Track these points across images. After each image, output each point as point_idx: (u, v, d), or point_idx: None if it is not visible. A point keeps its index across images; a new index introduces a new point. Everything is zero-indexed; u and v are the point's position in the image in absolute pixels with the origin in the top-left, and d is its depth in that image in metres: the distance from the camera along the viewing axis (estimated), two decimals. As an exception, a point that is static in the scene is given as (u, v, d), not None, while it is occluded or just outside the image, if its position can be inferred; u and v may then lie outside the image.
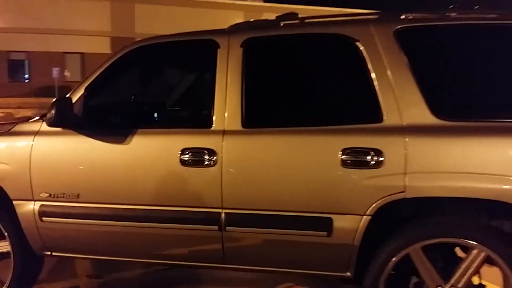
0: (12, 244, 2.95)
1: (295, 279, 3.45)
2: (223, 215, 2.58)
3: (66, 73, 25.50)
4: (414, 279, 2.49)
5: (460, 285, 2.35)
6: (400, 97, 2.38)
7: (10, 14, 27.08)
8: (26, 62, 29.25)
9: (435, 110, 2.33)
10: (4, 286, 2.98)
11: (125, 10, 30.23)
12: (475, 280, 2.48)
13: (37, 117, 3.00)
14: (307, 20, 2.88)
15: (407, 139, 2.32)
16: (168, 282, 3.57)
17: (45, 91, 26.36)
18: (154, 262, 3.03)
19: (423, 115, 2.34)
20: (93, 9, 29.19)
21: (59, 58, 28.64)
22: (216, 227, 2.58)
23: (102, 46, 29.74)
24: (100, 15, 29.51)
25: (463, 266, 2.35)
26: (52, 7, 27.93)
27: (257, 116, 2.60)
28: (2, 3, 26.89)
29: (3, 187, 2.88)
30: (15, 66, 29.06)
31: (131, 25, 30.40)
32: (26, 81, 29.36)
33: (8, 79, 28.61)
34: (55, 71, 25.04)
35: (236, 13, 32.58)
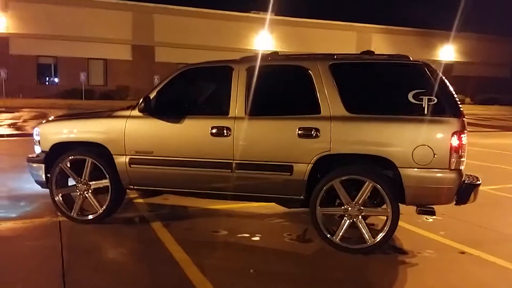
0: (110, 181, 5.05)
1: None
2: (234, 164, 4.65)
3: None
4: (337, 200, 4.56)
5: (360, 201, 4.40)
6: (330, 101, 4.46)
7: (40, 22, 29.43)
8: (53, 66, 31.54)
9: (347, 108, 4.41)
10: (104, 205, 5.07)
11: (145, 20, 32.46)
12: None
13: (127, 107, 5.12)
14: (283, 56, 5.00)
15: (332, 123, 4.40)
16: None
17: (71, 93, 28.62)
18: (195, 192, 5.04)
19: (341, 110, 4.42)
20: (116, 19, 31.50)
21: (84, 63, 30.95)
22: (230, 170, 4.66)
23: (123, 53, 32.11)
24: (122, 25, 31.79)
25: (361, 191, 4.40)
26: (79, 16, 30.24)
27: (254, 109, 4.66)
28: (32, 12, 29.23)
29: (107, 147, 4.99)
30: (43, 70, 31.38)
31: (150, 34, 32.64)
32: (54, 84, 31.59)
33: (37, 81, 30.93)
34: (82, 76, 27.30)
35: (247, 25, 34.65)
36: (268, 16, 33.42)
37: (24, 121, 17.99)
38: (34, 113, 21.71)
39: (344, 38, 36.92)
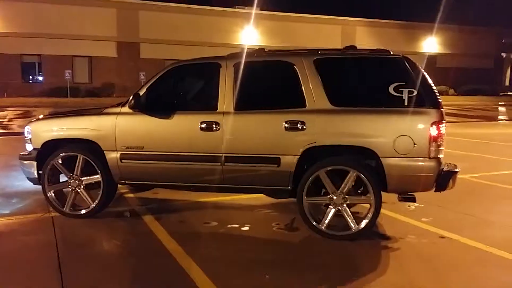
0: (102, 177, 5.17)
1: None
2: (223, 157, 4.80)
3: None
4: (323, 190, 4.74)
5: (344, 190, 4.59)
6: (315, 95, 4.63)
7: (23, 20, 29.10)
8: (38, 65, 31.26)
9: (331, 101, 4.58)
10: (97, 200, 5.19)
11: (130, 17, 32.29)
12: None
13: (117, 104, 5.23)
14: (269, 52, 5.16)
15: (317, 116, 4.57)
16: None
17: (56, 91, 28.43)
18: (186, 185, 5.18)
19: (325, 103, 4.60)
20: (101, 16, 31.25)
21: (69, 61, 30.73)
22: (219, 163, 4.81)
23: (108, 50, 31.92)
24: (107, 22, 31.55)
25: (346, 180, 4.58)
26: (63, 14, 29.95)
27: (242, 104, 4.81)
28: (16, 10, 28.89)
29: (98, 143, 5.10)
30: (27, 68, 31.12)
31: (135, 31, 32.47)
32: (39, 82, 31.34)
33: (22, 80, 30.66)
34: (67, 74, 27.13)
35: (232, 20, 34.67)
36: (253, 11, 33.48)
37: (10, 120, 17.91)
38: (20, 111, 21.60)
39: (329, 32, 37.12)
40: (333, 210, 4.65)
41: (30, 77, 31.72)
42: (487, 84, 40.04)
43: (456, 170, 4.71)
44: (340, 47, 5.42)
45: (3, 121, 17.22)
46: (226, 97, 4.81)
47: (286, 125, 4.62)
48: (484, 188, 7.20)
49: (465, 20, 40.47)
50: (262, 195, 5.49)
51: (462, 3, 41.54)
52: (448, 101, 35.34)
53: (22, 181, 6.54)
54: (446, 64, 40.88)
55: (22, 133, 5.77)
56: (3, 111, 21.95)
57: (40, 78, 31.54)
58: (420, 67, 4.60)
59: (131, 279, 3.81)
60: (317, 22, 37.46)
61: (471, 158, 9.94)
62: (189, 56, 5.54)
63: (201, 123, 4.80)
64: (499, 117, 22.30)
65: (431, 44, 40.96)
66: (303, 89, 4.67)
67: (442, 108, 4.53)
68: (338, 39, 36.95)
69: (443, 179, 4.54)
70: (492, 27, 43.44)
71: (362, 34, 38.25)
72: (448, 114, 23.78)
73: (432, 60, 40.19)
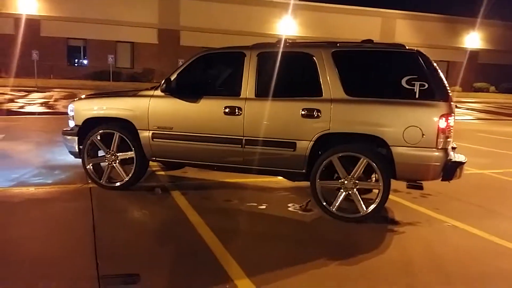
0: (135, 153, 5.68)
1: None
2: (244, 140, 5.21)
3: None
4: (335, 174, 5.08)
5: (355, 176, 4.92)
6: (331, 85, 4.96)
7: (70, 5, 30.29)
8: (83, 48, 32.54)
9: (346, 91, 4.90)
10: (130, 174, 5.72)
11: (171, 5, 33.03)
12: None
13: (150, 87, 5.72)
14: (291, 43, 5.51)
15: (332, 105, 4.90)
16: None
17: (99, 75, 29.56)
18: (209, 164, 5.62)
19: (341, 93, 4.92)
20: (143, 3, 32.15)
21: (112, 46, 31.84)
22: (240, 145, 5.22)
23: (150, 37, 32.86)
24: (149, 9, 32.44)
25: (357, 166, 4.91)
26: (107, 0, 31.00)
27: (263, 91, 5.18)
28: (64, -5, 30.11)
29: (133, 122, 5.60)
30: (73, 52, 32.43)
31: (176, 19, 33.23)
32: (83, 65, 32.63)
33: (67, 63, 32.01)
34: (110, 58, 28.14)
35: (271, 10, 34.84)
36: (292, 1, 33.54)
37: (55, 100, 18.92)
38: (64, 93, 22.71)
39: (368, 24, 36.75)
40: (343, 194, 4.99)
41: (75, 60, 33.02)
42: (530, 82, 38.74)
43: (463, 161, 4.94)
44: (379, 40, 5.70)
45: (49, 101, 18.22)
46: (249, 84, 5.20)
47: (303, 112, 4.97)
48: (502, 183, 7.33)
49: (510, 16, 39.16)
50: (281, 179, 5.90)
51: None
52: (488, 99, 34.59)
53: (64, 155, 7.17)
54: (488, 61, 39.78)
55: (66, 113, 6.35)
56: (49, 91, 23.14)
57: (85, 61, 32.82)
58: (432, 62, 4.84)
59: (155, 242, 4.29)
60: (357, 14, 37.17)
61: (498, 155, 9.98)
62: (227, 45, 5.94)
63: (225, 107, 5.22)
64: (540, 116, 21.68)
65: (473, 39, 39.90)
66: (320, 79, 5.01)
67: (452, 101, 4.76)
68: (378, 31, 36.58)
69: (450, 169, 4.78)
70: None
71: (402, 27, 37.71)
72: (485, 112, 23.45)
73: (473, 56, 39.25)
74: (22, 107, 15.90)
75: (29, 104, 16.89)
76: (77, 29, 30.98)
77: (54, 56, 30.04)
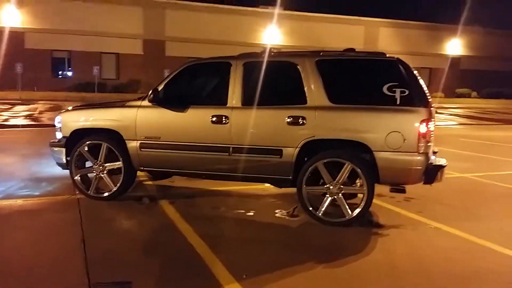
0: (123, 163, 5.73)
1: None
2: (231, 148, 5.30)
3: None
4: (321, 180, 5.19)
5: (340, 181, 5.03)
6: (315, 93, 5.09)
7: (54, 17, 30.22)
8: (67, 60, 32.39)
9: (330, 99, 5.04)
10: (118, 184, 5.76)
11: (157, 16, 33.14)
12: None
13: (138, 98, 5.79)
14: (275, 53, 5.64)
15: (316, 112, 5.03)
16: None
17: (85, 87, 29.42)
18: (197, 173, 5.70)
19: (325, 101, 5.05)
20: (128, 14, 32.19)
21: (97, 57, 31.74)
22: (227, 153, 5.32)
23: (135, 48, 32.88)
24: (134, 20, 32.47)
25: (341, 172, 5.02)
26: (92, 11, 30.94)
27: (249, 100, 5.29)
28: (47, 7, 30.02)
29: (120, 133, 5.66)
30: (57, 64, 32.24)
31: (161, 29, 33.33)
32: (68, 77, 32.46)
33: (52, 75, 31.82)
34: (95, 70, 28.10)
35: (256, 19, 35.16)
36: (276, 11, 33.88)
37: (40, 112, 18.82)
38: (49, 105, 22.58)
39: (352, 32, 37.29)
40: (329, 199, 5.10)
41: (60, 72, 32.84)
42: (511, 87, 39.45)
43: (443, 164, 5.09)
44: (362, 48, 5.87)
45: (33, 114, 18.12)
46: (235, 93, 5.31)
47: (288, 120, 5.08)
48: (483, 186, 7.52)
49: (490, 23, 40.05)
50: (268, 186, 5.99)
51: (487, 5, 41.07)
52: (470, 104, 35.20)
53: (50, 167, 7.18)
54: (469, 67, 40.57)
55: (52, 125, 6.39)
56: (34, 104, 22.99)
57: (69, 73, 32.64)
58: (412, 69, 5.01)
59: (145, 250, 4.35)
60: (340, 23, 37.67)
61: (479, 159, 10.22)
62: (213, 55, 6.04)
63: (212, 116, 5.31)
64: (520, 120, 22.13)
65: (454, 46, 40.70)
66: (305, 87, 5.14)
67: (432, 107, 4.92)
68: (361, 39, 37.12)
69: (431, 172, 4.93)
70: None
71: (385, 35, 38.32)
72: (467, 117, 23.86)
73: (455, 62, 39.99)
74: (6, 120, 15.80)
75: (14, 117, 16.79)
76: (61, 41, 30.84)
77: (38, 68, 29.82)
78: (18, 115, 17.33)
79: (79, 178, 5.89)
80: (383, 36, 38.30)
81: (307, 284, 3.64)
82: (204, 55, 6.23)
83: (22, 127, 14.05)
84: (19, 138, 11.86)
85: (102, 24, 31.12)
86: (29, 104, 22.66)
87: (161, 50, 33.39)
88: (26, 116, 17.08)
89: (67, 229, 4.82)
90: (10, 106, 21.12)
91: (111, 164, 5.79)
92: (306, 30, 35.73)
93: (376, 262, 4.13)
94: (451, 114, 25.42)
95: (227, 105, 5.33)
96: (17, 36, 29.54)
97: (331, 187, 5.06)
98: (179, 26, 33.13)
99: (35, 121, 15.62)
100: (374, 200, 5.16)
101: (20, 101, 24.22)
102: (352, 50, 5.48)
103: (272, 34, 34.82)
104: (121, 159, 5.72)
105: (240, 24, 34.58)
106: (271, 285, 3.60)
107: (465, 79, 39.48)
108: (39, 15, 30.11)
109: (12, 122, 15.19)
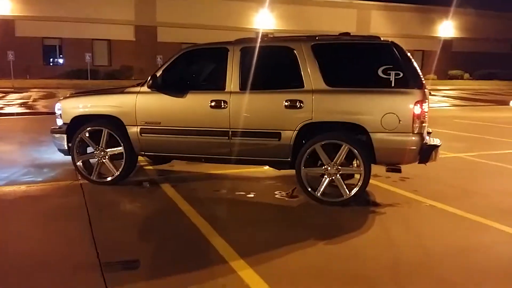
0: (124, 149, 5.84)
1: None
2: (230, 132, 5.42)
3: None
4: (319, 161, 5.33)
5: (337, 162, 5.18)
6: (312, 77, 5.20)
7: (44, 4, 29.93)
8: (59, 48, 32.14)
9: (326, 82, 5.15)
10: (120, 169, 5.87)
11: (148, 1, 32.87)
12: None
13: (136, 84, 5.87)
14: (272, 38, 5.72)
15: (313, 95, 5.14)
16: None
17: (77, 74, 29.30)
18: (197, 157, 5.81)
19: (321, 84, 5.16)
20: (119, 0, 31.90)
21: (89, 44, 31.53)
22: (227, 137, 5.43)
23: (126, 34, 32.66)
24: (125, 5, 32.20)
25: (339, 153, 5.17)
26: (82, -2, 30.67)
27: (247, 84, 5.40)
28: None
29: (121, 118, 5.75)
30: (49, 51, 32.00)
31: (152, 15, 33.08)
32: (60, 64, 32.25)
33: (43, 62, 31.60)
34: (87, 56, 27.92)
35: (248, 4, 34.93)
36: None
37: (34, 100, 18.77)
38: (42, 93, 22.51)
39: (344, 16, 37.26)
40: (327, 180, 5.24)
41: (51, 59, 32.62)
42: (503, 68, 39.72)
43: (438, 144, 5.25)
44: (355, 31, 5.97)
45: (27, 102, 18.07)
46: (233, 78, 5.41)
47: (286, 103, 5.20)
48: (476, 165, 7.71)
49: (482, 4, 40.04)
50: (267, 169, 6.12)
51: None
52: (463, 86, 35.42)
53: (50, 154, 7.30)
54: (462, 49, 40.70)
55: (47, 113, 6.46)
56: (27, 92, 22.90)
57: (61, 60, 32.42)
58: (406, 52, 5.12)
59: (150, 230, 4.49)
60: (333, 6, 37.58)
61: (472, 139, 10.41)
62: (205, 40, 6.11)
63: (211, 101, 5.41)
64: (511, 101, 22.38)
65: (447, 28, 40.76)
66: (301, 71, 5.24)
67: (426, 88, 5.06)
68: (354, 23, 37.09)
69: (425, 152, 5.08)
70: (509, 12, 42.86)
71: (377, 18, 38.27)
72: (460, 98, 24.06)
73: (447, 44, 40.07)
74: (1, 108, 15.76)
75: (8, 105, 16.74)
76: (52, 28, 30.61)
77: (29, 56, 29.62)
78: (12, 103, 17.28)
79: (81, 163, 6.00)
80: (375, 19, 38.26)
81: (308, 260, 3.80)
82: (196, 41, 6.34)
83: (17, 115, 14.06)
84: (15, 126, 11.89)
85: (93, 10, 30.82)
86: (22, 92, 22.57)
87: (153, 36, 33.21)
88: (21, 104, 17.03)
89: (73, 212, 4.94)
90: (4, 95, 21.02)
91: (113, 149, 5.89)
92: (298, 14, 35.59)
93: (374, 239, 4.30)
94: (444, 96, 25.62)
95: (226, 90, 5.43)
96: (7, 24, 29.32)
97: (329, 168, 5.20)
98: (171, 12, 32.91)
99: (30, 109, 15.60)
100: (371, 181, 5.31)
101: (13, 89, 24.11)
102: (347, 34, 5.58)
103: (265, 18, 34.67)
104: (122, 144, 5.82)
105: (232, 8, 34.36)
106: (274, 261, 3.75)
107: (458, 61, 39.65)
108: (29, 2, 29.84)
109: (7, 110, 15.16)
